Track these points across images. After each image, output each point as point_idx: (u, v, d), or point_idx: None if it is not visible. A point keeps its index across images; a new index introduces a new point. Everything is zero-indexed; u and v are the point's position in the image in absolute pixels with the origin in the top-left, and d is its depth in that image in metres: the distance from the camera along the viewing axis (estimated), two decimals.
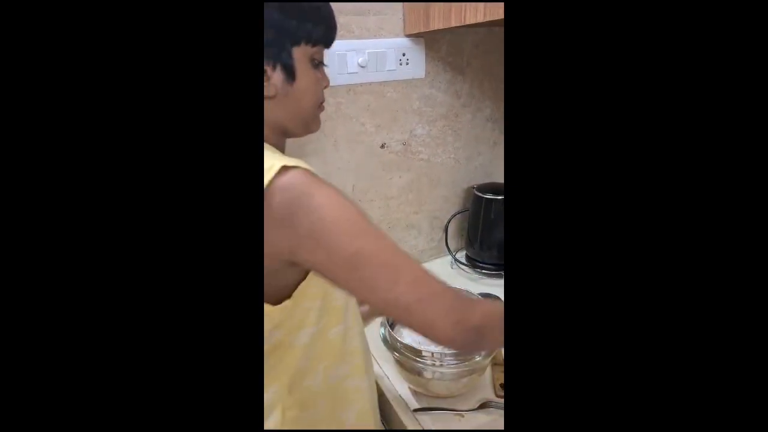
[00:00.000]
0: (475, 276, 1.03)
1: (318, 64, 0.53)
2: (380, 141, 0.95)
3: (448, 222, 1.07)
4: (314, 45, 0.50)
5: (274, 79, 0.48)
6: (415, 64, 0.92)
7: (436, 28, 0.79)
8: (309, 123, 0.54)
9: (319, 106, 0.55)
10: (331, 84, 0.89)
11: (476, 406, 0.66)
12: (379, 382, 0.72)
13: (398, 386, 0.71)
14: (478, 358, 0.64)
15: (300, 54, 0.49)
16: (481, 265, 1.05)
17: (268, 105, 0.49)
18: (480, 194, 1.02)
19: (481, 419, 0.64)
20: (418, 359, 0.64)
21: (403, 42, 0.89)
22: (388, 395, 0.70)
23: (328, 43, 0.53)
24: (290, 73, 0.49)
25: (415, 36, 0.89)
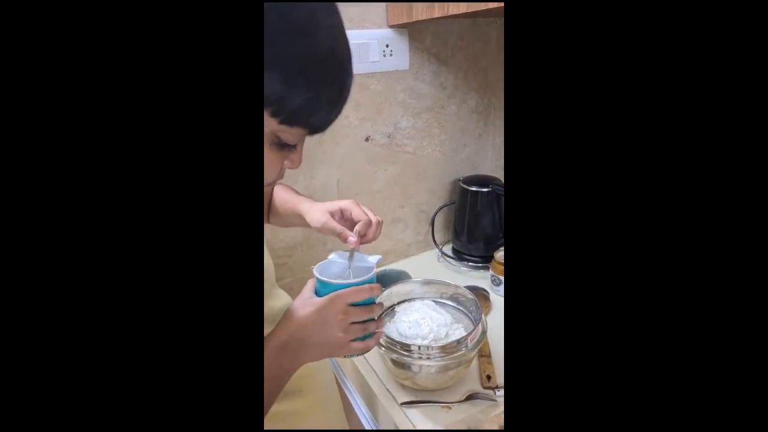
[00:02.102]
0: (462, 269, 1.04)
1: (284, 146, 0.38)
2: (365, 134, 0.94)
3: (435, 215, 1.07)
4: (283, 122, 0.35)
5: None
6: (399, 55, 0.91)
7: (419, 19, 0.78)
8: None
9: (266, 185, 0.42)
10: None
11: (463, 398, 0.66)
12: (367, 377, 0.72)
13: (385, 380, 0.71)
14: (463, 351, 0.64)
15: None
16: (467, 257, 1.05)
17: None
18: (466, 187, 1.02)
19: (469, 411, 0.64)
20: (404, 353, 0.64)
21: (387, 33, 0.88)
22: (376, 389, 0.69)
23: (311, 129, 0.37)
24: None
25: (398, 27, 0.88)
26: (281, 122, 0.35)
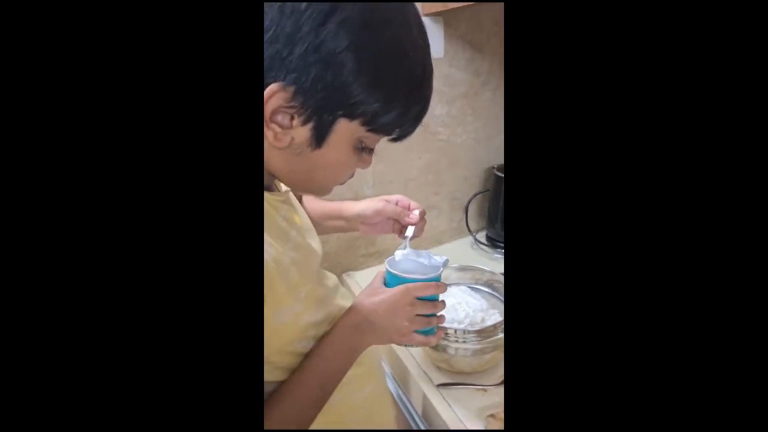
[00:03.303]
0: (496, 256, 1.04)
1: (363, 148, 0.42)
2: None
3: (469, 202, 1.07)
4: (371, 130, 0.39)
5: (296, 132, 0.38)
6: (434, 43, 0.90)
7: (454, 6, 0.78)
8: (312, 190, 0.47)
9: (338, 183, 0.46)
10: None
11: (499, 382, 0.67)
12: (403, 359, 0.74)
13: (422, 362, 0.72)
14: (500, 335, 0.65)
15: (346, 129, 0.39)
16: (501, 245, 1.05)
17: (269, 150, 0.40)
18: (500, 174, 1.02)
19: (504, 394, 0.65)
20: (441, 336, 0.65)
21: None
22: (412, 371, 0.72)
23: (397, 138, 0.42)
24: (318, 141, 0.39)
25: (433, 15, 0.88)
26: (369, 130, 0.40)
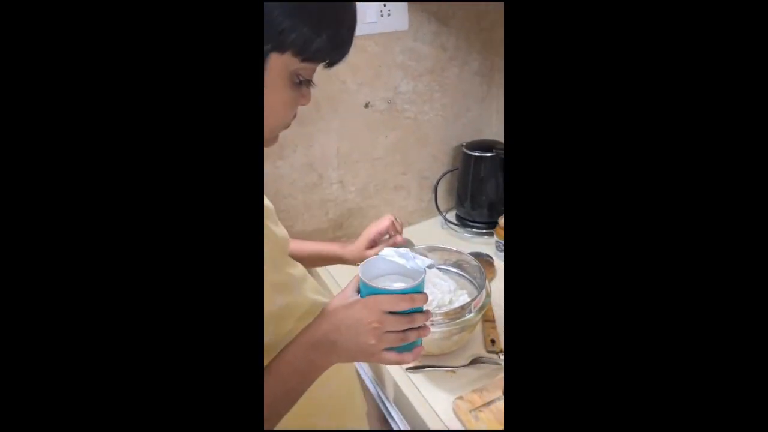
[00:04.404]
0: (466, 235, 1.03)
1: (302, 82, 0.40)
2: (363, 99, 0.92)
3: (438, 182, 1.06)
4: (305, 60, 0.37)
5: None
6: (398, 15, 0.87)
7: None
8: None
9: (284, 126, 0.43)
10: None
11: (468, 362, 0.67)
12: None
13: None
14: (468, 316, 0.64)
15: (279, 64, 0.37)
16: (471, 224, 1.04)
17: None
18: (469, 152, 1.00)
19: (473, 375, 0.65)
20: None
21: None
22: None
23: (329, 63, 0.40)
24: None
25: None
26: (304, 60, 0.38)
